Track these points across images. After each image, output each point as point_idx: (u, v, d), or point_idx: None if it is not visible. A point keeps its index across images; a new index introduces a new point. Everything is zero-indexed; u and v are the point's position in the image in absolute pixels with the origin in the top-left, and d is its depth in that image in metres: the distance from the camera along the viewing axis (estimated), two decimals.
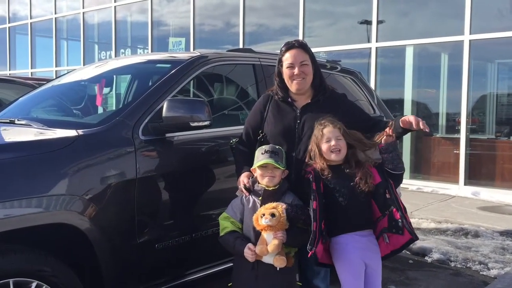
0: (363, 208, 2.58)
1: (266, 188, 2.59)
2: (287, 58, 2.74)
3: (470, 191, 7.61)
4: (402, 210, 2.53)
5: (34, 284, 2.17)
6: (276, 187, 2.60)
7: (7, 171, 2.16)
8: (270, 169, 2.58)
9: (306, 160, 2.64)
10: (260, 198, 2.59)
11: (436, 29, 8.29)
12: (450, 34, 8.04)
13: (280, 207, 2.48)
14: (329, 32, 9.96)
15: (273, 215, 2.43)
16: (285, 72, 2.75)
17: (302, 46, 2.76)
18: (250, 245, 2.50)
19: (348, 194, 2.55)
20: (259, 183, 2.62)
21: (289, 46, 2.76)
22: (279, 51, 2.84)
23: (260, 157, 2.61)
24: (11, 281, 2.09)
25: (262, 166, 2.59)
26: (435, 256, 4.63)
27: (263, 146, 2.68)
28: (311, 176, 2.56)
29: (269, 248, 2.44)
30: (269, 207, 2.48)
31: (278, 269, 2.49)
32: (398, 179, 2.65)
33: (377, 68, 8.88)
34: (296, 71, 2.70)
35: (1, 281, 2.07)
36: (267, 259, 2.49)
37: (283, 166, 2.61)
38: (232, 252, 2.61)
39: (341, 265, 2.56)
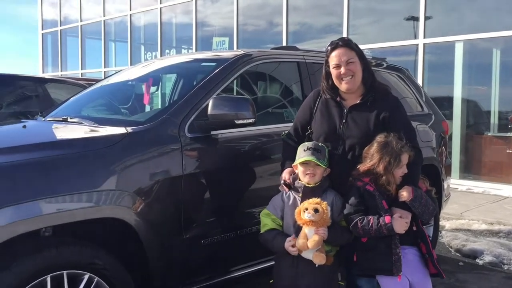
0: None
1: (307, 185, 2.57)
2: (333, 58, 2.70)
3: None
4: (430, 246, 2.53)
5: (86, 277, 2.24)
6: (316, 184, 2.57)
7: (60, 167, 2.25)
8: (312, 167, 2.56)
9: (363, 169, 2.52)
10: (300, 195, 2.57)
11: (487, 23, 7.97)
12: (502, 28, 7.71)
13: (324, 204, 2.45)
14: (374, 29, 9.78)
15: (316, 210, 2.41)
16: (333, 72, 2.70)
17: (346, 44, 2.70)
18: (292, 237, 2.50)
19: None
20: (300, 179, 2.60)
21: (333, 46, 2.72)
22: (325, 51, 2.80)
23: (302, 154, 2.59)
24: (65, 272, 2.17)
25: (304, 163, 2.57)
26: (487, 258, 4.45)
27: (306, 143, 2.66)
28: (374, 191, 2.50)
29: (309, 244, 2.41)
30: (313, 202, 2.45)
31: (317, 265, 2.47)
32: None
33: (425, 65, 8.64)
34: (342, 70, 2.65)
35: (56, 273, 2.14)
36: (306, 254, 2.48)
37: (325, 164, 2.57)
38: (271, 249, 2.60)
39: (384, 278, 2.50)
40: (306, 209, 2.44)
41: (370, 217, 2.46)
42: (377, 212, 2.47)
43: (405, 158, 2.51)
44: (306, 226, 2.45)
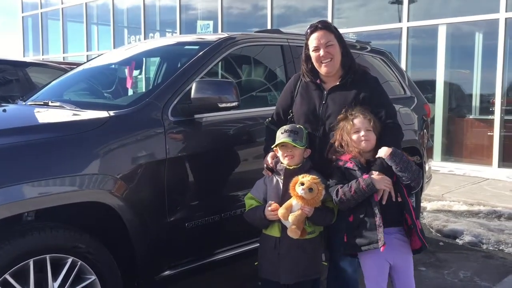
0: (389, 204, 2.48)
1: (287, 167, 2.59)
2: (312, 41, 2.71)
3: (504, 174, 7.44)
4: (413, 216, 2.49)
5: (69, 260, 2.24)
6: (297, 166, 2.59)
7: (42, 151, 2.23)
8: (289, 148, 2.58)
9: (336, 144, 2.57)
10: (282, 177, 2.60)
11: (470, 7, 8.03)
12: (485, 12, 7.78)
13: (321, 186, 2.46)
14: (359, 13, 9.78)
15: (311, 189, 2.42)
16: (312, 55, 2.71)
17: (326, 27, 2.71)
18: (275, 204, 2.52)
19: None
20: (281, 162, 2.63)
21: (313, 29, 2.72)
22: (304, 34, 2.80)
23: (280, 136, 2.61)
24: (47, 256, 2.17)
25: (282, 146, 2.59)
26: (467, 238, 4.56)
27: (284, 126, 2.68)
28: (354, 166, 2.49)
29: (290, 217, 2.44)
30: (312, 179, 2.44)
31: (298, 244, 2.51)
32: (409, 188, 2.53)
33: (408, 48, 8.69)
34: (321, 53, 2.67)
35: (39, 257, 2.14)
36: (285, 222, 2.51)
37: (302, 145, 2.59)
38: (256, 224, 2.63)
39: (365, 258, 2.53)
40: (303, 183, 2.43)
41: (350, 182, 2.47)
42: None
43: (358, 122, 2.51)
44: (294, 199, 2.46)
